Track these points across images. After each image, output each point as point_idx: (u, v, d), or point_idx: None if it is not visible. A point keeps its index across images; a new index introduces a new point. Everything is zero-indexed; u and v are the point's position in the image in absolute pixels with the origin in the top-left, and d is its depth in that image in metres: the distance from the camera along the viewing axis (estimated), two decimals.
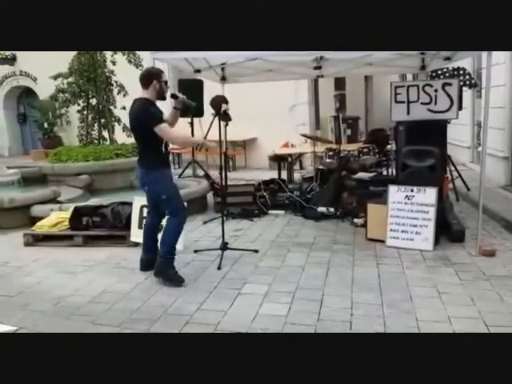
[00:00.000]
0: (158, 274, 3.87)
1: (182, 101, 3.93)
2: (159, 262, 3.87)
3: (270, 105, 9.84)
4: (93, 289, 3.82)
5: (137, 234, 4.80)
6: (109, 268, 4.33)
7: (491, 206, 5.72)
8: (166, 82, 3.81)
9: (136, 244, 4.84)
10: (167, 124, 3.75)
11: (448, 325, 2.97)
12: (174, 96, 3.91)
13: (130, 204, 4.90)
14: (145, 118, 3.66)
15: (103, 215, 5.12)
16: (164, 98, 3.84)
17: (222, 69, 6.89)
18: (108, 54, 8.45)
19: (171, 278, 3.80)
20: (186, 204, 4.01)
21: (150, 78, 3.75)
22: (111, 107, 8.54)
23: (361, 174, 6.51)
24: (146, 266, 4.12)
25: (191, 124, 8.31)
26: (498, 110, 7.02)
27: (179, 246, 4.56)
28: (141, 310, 3.37)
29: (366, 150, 6.70)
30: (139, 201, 4.81)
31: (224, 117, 4.48)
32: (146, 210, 4.77)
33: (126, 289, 3.79)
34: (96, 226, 5.13)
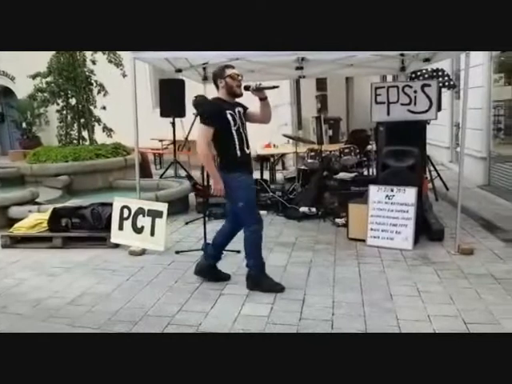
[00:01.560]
0: (253, 286, 3.64)
1: (258, 89, 3.50)
2: (251, 276, 3.67)
3: (252, 105, 9.82)
4: (72, 291, 3.76)
5: (117, 236, 4.76)
6: (89, 270, 4.28)
7: (469, 205, 5.83)
8: (231, 76, 3.49)
9: (116, 245, 4.79)
10: (211, 128, 3.42)
11: (428, 323, 3.01)
12: (246, 88, 3.54)
13: (111, 205, 4.85)
14: (200, 113, 3.59)
15: (83, 216, 5.05)
16: (236, 94, 3.53)
17: (204, 68, 6.86)
18: (88, 53, 8.33)
19: (269, 288, 3.58)
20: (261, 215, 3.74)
21: (215, 78, 3.57)
22: (91, 107, 8.42)
23: (342, 175, 6.56)
24: (199, 271, 3.92)
25: (173, 124, 8.26)
26: (476, 111, 7.15)
27: (160, 248, 4.55)
28: (121, 312, 3.33)
29: (347, 150, 6.75)
30: (119, 201, 4.77)
31: None
32: (126, 211, 4.73)
33: (106, 290, 3.74)
34: (75, 228, 5.06)
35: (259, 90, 3.50)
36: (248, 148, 3.56)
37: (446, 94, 8.51)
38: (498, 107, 7.27)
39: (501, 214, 5.65)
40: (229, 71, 3.52)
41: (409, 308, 3.24)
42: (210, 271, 3.87)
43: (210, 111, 3.52)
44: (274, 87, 3.54)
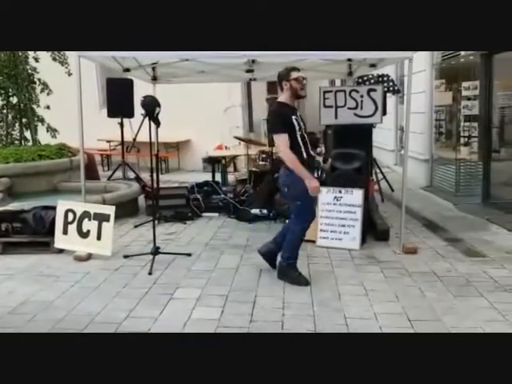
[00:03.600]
0: (282, 276, 3.83)
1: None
2: (282, 266, 3.85)
3: (203, 107, 9.78)
4: (13, 299, 3.57)
5: (61, 240, 4.57)
6: (31, 276, 4.08)
7: (413, 206, 6.07)
8: (296, 79, 3.60)
9: (61, 251, 4.60)
10: (285, 134, 3.55)
11: (374, 321, 3.10)
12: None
13: (54, 208, 4.65)
14: (272, 122, 3.75)
15: (24, 220, 4.82)
16: (300, 97, 3.69)
17: (153, 68, 6.75)
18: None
19: (295, 279, 3.75)
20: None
21: (279, 80, 3.69)
22: (34, 106, 8.07)
23: None
24: (263, 253, 4.07)
25: (121, 125, 8.06)
26: (418, 115, 7.47)
27: (107, 252, 4.42)
28: (66, 320, 3.20)
29: None
30: (64, 205, 4.59)
31: (154, 120, 4.35)
32: (71, 215, 4.58)
33: (49, 298, 3.58)
34: (17, 233, 4.81)
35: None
36: (312, 149, 3.76)
37: (391, 99, 8.83)
38: (439, 112, 7.64)
39: (442, 214, 5.93)
40: (294, 74, 3.62)
41: (356, 306, 3.32)
42: (271, 257, 4.03)
43: (280, 120, 3.62)
44: None
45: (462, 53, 6.75)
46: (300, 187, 3.58)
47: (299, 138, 3.62)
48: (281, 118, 3.61)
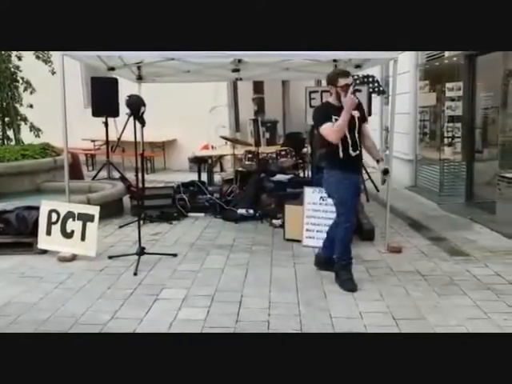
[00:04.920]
0: (335, 277, 3.79)
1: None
2: (335, 267, 3.81)
3: (189, 106, 9.74)
4: None
5: (45, 241, 4.51)
6: (14, 278, 4.02)
7: (398, 205, 6.13)
8: (342, 87, 3.54)
9: (44, 251, 4.54)
10: (332, 124, 3.57)
11: (359, 320, 3.11)
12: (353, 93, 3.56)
13: (37, 208, 4.58)
14: (314, 119, 3.77)
15: (7, 221, 4.74)
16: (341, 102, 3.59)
17: (139, 67, 6.69)
18: None
19: (342, 282, 3.70)
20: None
21: (327, 81, 3.75)
22: (17, 105, 7.96)
23: (279, 176, 6.64)
24: (318, 263, 4.08)
25: (105, 124, 7.98)
26: (403, 115, 7.54)
27: (91, 253, 4.37)
28: (49, 321, 3.15)
29: (283, 152, 6.85)
30: (47, 205, 4.53)
31: (139, 119, 4.32)
32: (54, 215, 4.52)
33: (32, 299, 3.53)
34: None
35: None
36: (355, 150, 3.68)
37: (376, 100, 8.90)
38: (423, 112, 7.72)
39: (426, 213, 5.99)
40: (341, 81, 3.58)
41: (342, 306, 3.34)
42: (328, 263, 3.95)
43: (322, 115, 3.67)
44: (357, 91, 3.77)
45: (446, 54, 6.84)
46: (333, 184, 3.72)
47: None
48: (322, 114, 3.70)
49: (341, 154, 3.65)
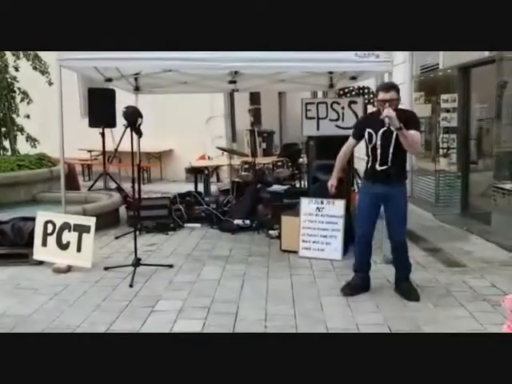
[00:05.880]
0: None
1: (389, 122, 3.39)
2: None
3: (186, 117, 9.76)
4: None
5: (40, 252, 4.49)
6: (8, 289, 3.99)
7: None
8: (379, 102, 3.53)
9: (40, 263, 4.52)
10: (352, 140, 3.88)
11: (356, 332, 3.10)
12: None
13: (33, 219, 4.57)
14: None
15: (2, 232, 4.72)
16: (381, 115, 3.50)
17: (136, 79, 6.73)
18: (10, 59, 7.90)
19: (401, 292, 3.77)
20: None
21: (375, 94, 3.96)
22: (13, 115, 7.96)
23: (275, 187, 6.65)
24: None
25: (102, 135, 8.00)
26: None
27: (87, 264, 4.35)
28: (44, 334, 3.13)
29: (280, 163, 6.87)
30: (43, 216, 4.52)
31: (136, 130, 4.33)
32: (50, 226, 4.50)
33: (27, 311, 3.50)
34: None
35: (390, 123, 3.41)
36: (383, 165, 3.62)
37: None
38: None
39: (422, 224, 6.00)
40: (380, 95, 3.58)
41: (338, 317, 3.33)
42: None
43: (356, 127, 3.94)
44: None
45: (441, 66, 6.90)
46: (358, 195, 3.96)
47: (369, 150, 3.70)
48: (356, 127, 3.92)
49: (368, 166, 3.76)
